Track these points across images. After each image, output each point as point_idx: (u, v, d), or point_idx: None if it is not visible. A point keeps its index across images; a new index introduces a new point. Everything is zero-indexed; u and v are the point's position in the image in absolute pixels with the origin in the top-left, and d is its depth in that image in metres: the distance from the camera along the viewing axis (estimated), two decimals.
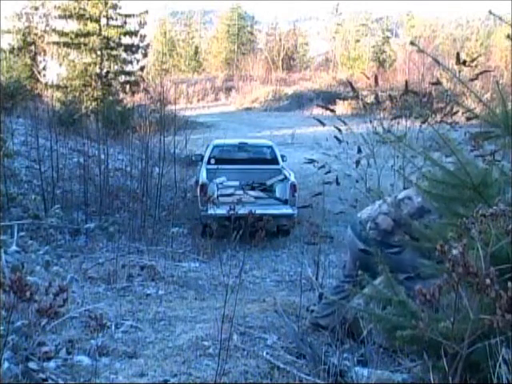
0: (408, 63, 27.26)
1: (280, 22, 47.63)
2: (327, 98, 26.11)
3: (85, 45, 18.96)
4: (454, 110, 5.53)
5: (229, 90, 34.80)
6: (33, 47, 23.85)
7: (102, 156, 8.84)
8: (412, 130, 5.85)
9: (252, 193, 8.61)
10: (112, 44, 19.39)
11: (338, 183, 6.18)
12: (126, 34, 19.67)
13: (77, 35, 19.10)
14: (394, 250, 3.22)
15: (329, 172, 6.07)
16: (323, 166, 6.06)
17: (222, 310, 2.77)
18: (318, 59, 46.88)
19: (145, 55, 20.64)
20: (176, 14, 52.34)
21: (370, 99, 6.47)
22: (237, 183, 8.89)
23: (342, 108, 21.37)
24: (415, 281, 2.80)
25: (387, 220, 3.34)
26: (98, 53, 19.08)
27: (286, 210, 7.95)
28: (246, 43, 44.60)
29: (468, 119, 3.29)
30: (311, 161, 6.25)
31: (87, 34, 19.12)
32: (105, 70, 19.16)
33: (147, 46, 20.79)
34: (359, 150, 5.97)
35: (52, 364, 2.84)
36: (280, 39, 43.41)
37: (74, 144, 10.19)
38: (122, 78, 19.92)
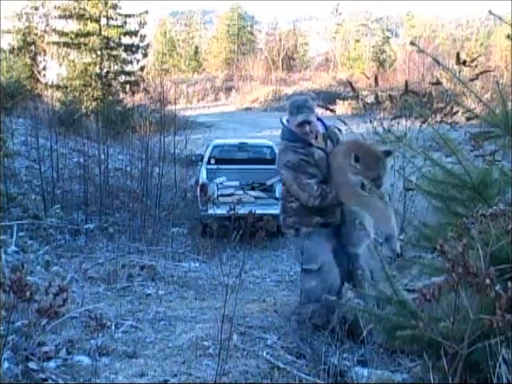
0: (408, 63, 27.29)
1: (280, 22, 47.67)
2: (327, 98, 26.05)
3: (85, 45, 18.95)
4: (454, 110, 5.50)
5: (229, 89, 34.83)
6: (33, 47, 23.87)
7: (102, 156, 8.83)
8: (412, 130, 5.83)
9: (252, 193, 8.60)
10: (112, 44, 19.38)
11: None
12: (126, 34, 19.66)
13: (77, 35, 19.09)
14: None
15: None
16: None
17: (222, 309, 2.76)
18: (318, 59, 46.85)
19: (145, 55, 20.64)
20: (176, 13, 52.36)
21: (370, 99, 6.46)
22: (237, 183, 8.87)
23: (342, 108, 21.42)
24: None
25: None
26: (98, 53, 19.07)
27: None
28: (245, 43, 44.57)
29: (468, 119, 3.28)
30: None
31: (87, 34, 19.11)
32: (105, 70, 19.15)
33: (147, 46, 20.79)
34: None
35: (52, 364, 2.84)
36: (280, 39, 43.40)
37: (74, 144, 10.18)
38: (122, 78, 19.90)
